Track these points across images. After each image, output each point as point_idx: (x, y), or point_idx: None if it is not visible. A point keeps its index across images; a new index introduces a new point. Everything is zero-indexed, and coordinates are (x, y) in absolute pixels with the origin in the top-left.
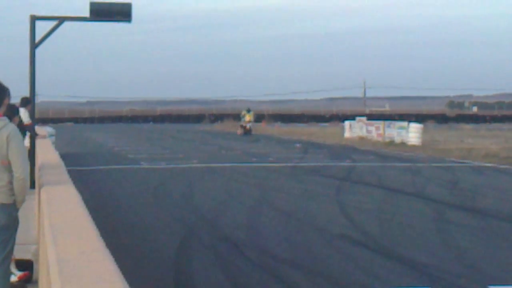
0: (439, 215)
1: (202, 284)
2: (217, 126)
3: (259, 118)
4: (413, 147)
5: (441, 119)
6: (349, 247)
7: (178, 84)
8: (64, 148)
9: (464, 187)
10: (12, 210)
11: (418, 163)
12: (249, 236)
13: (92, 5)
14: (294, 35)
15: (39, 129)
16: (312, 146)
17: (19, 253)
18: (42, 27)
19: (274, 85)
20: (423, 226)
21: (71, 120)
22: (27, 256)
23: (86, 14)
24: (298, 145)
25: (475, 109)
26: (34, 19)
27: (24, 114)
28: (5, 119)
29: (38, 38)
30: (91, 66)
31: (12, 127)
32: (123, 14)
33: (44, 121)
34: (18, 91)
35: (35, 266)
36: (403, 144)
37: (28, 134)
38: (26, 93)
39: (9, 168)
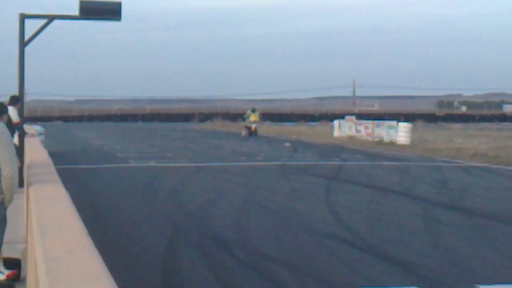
0: (427, 214)
1: (190, 283)
2: (207, 125)
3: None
4: (402, 146)
5: (430, 118)
6: (337, 246)
7: (167, 83)
8: (53, 146)
9: (453, 186)
10: (0, 208)
11: (407, 162)
12: (237, 234)
13: (82, 3)
14: (284, 34)
15: (28, 127)
16: (301, 145)
17: (7, 251)
18: (32, 26)
19: (264, 84)
20: (412, 225)
21: (60, 119)
22: (15, 254)
23: (76, 12)
24: (287, 144)
25: (464, 108)
26: (23, 17)
27: (13, 112)
28: None
29: (27, 36)
30: (80, 65)
31: (0, 126)
32: (113, 12)
33: (33, 120)
34: (7, 90)
35: (23, 265)
36: (392, 143)
37: (17, 132)
38: (15, 92)
39: None
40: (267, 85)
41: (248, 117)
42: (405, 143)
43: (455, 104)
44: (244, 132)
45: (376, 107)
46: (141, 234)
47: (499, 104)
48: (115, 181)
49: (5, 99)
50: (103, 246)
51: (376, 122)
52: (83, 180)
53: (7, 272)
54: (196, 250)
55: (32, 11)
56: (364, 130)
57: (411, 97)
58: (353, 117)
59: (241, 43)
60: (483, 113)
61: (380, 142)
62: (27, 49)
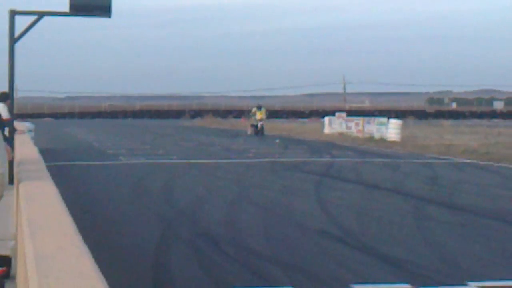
0: (418, 210)
1: (181, 279)
2: (197, 122)
3: (239, 114)
4: (393, 143)
5: (421, 115)
6: (328, 242)
7: (158, 80)
8: (43, 143)
9: (443, 183)
10: None
11: (397, 159)
12: (228, 231)
13: (72, 0)
14: (274, 31)
15: (18, 124)
16: (291, 142)
17: None
18: (22, 22)
19: (254, 81)
20: (402, 221)
21: (51, 116)
22: (5, 252)
23: (66, 9)
24: (277, 140)
25: (454, 105)
26: (13, 13)
27: (3, 109)
28: None
29: (17, 32)
30: (70, 61)
31: None
32: (103, 9)
33: (23, 117)
34: None
35: (13, 262)
36: (382, 140)
37: (7, 129)
38: (5, 88)
39: None
40: (258, 82)
41: (254, 115)
42: (396, 139)
43: (446, 100)
44: (250, 131)
45: (366, 104)
46: (132, 231)
47: (490, 101)
48: (105, 178)
49: None
50: (93, 243)
51: (366, 118)
52: (74, 177)
53: None
54: (187, 247)
55: (22, 7)
56: (355, 127)
57: (402, 94)
58: (344, 114)
59: (231, 40)
60: (473, 109)
61: (371, 138)
62: (17, 45)
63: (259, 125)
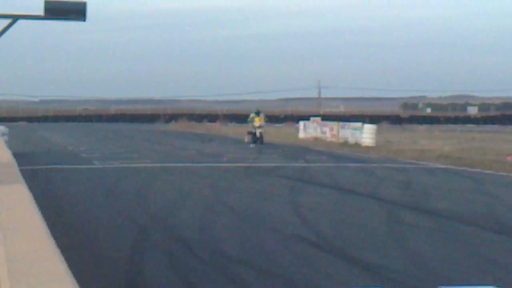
0: (391, 215)
1: (154, 284)
2: (172, 126)
3: (214, 118)
4: (367, 148)
5: (395, 120)
6: (302, 247)
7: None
8: (17, 147)
9: (417, 188)
10: None
11: (372, 164)
12: (202, 236)
13: (47, 3)
14: (249, 35)
15: None
16: (266, 147)
17: None
18: None
19: (229, 85)
20: (376, 226)
21: (25, 119)
22: None
23: (41, 12)
24: (252, 145)
25: (429, 110)
26: None
27: None
28: None
29: None
30: (45, 65)
31: None
32: (78, 12)
33: None
34: None
35: None
36: (357, 145)
37: None
38: None
39: None
40: (233, 86)
41: (252, 121)
42: (370, 144)
43: (420, 105)
44: (247, 138)
45: (341, 109)
46: (105, 235)
47: (464, 106)
48: (79, 182)
49: None
50: (66, 247)
51: (341, 123)
52: (47, 181)
53: None
54: (160, 251)
55: None
56: (329, 132)
57: (376, 99)
58: (318, 118)
59: (207, 45)
60: (447, 115)
61: (345, 143)
62: None
63: (258, 133)
